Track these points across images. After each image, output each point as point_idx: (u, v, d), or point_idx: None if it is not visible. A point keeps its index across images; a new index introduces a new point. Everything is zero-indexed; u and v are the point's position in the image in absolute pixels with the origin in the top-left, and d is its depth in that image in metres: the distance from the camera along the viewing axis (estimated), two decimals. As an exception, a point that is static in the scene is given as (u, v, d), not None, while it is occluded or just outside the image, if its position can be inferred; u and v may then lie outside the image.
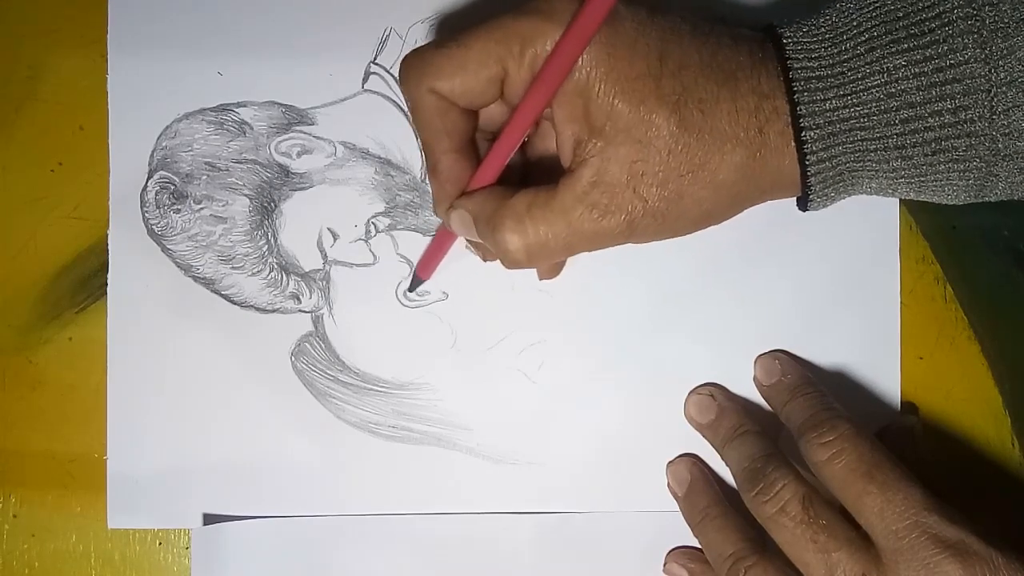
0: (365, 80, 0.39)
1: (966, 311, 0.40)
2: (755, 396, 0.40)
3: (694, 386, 0.40)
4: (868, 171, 0.32)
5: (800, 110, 0.31)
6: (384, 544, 0.39)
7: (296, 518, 0.39)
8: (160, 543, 0.40)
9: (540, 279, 0.38)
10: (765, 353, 0.39)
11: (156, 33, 0.39)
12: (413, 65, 0.32)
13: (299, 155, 0.40)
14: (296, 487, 0.39)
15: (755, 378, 0.39)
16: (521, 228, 0.31)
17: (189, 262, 0.39)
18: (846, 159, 0.31)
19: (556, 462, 0.40)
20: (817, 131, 0.31)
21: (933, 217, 0.40)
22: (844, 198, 0.33)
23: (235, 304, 0.39)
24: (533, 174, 0.36)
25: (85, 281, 0.40)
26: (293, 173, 0.40)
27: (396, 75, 0.39)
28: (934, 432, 0.40)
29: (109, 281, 0.39)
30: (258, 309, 0.39)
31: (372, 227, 0.40)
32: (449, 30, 0.39)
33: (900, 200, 0.39)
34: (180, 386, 0.39)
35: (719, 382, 0.40)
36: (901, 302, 0.40)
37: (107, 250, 0.39)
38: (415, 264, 0.39)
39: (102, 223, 0.39)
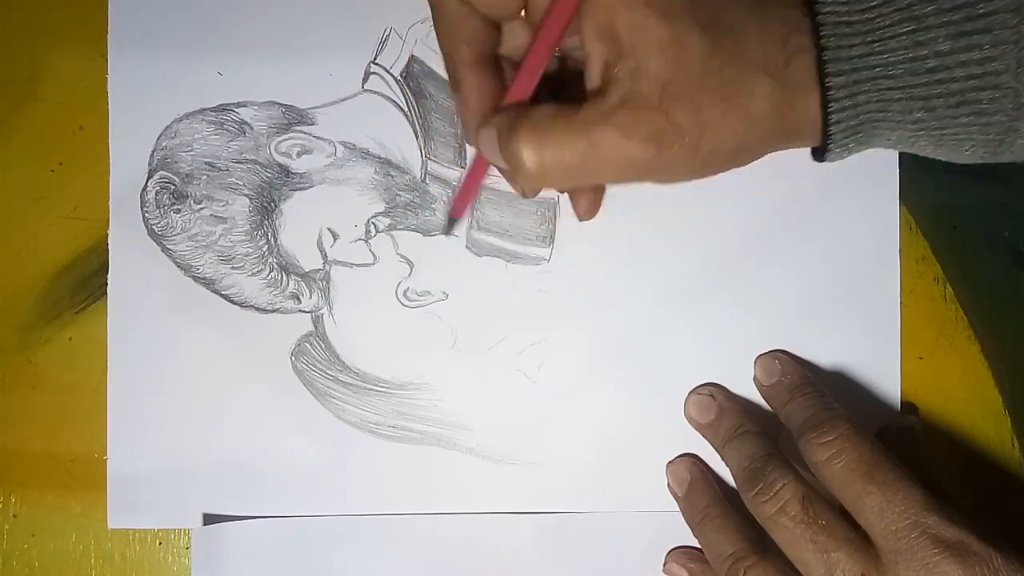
0: (365, 80, 0.39)
1: (966, 311, 0.40)
2: (755, 396, 0.40)
3: (694, 386, 0.40)
4: (890, 121, 0.31)
5: (826, 55, 0.30)
6: (384, 544, 0.39)
7: (296, 518, 0.39)
8: (160, 543, 0.40)
9: (579, 217, 0.36)
10: (765, 353, 0.39)
11: (156, 33, 0.39)
12: None
13: (299, 155, 0.40)
14: (296, 487, 0.39)
15: (755, 378, 0.39)
16: (538, 140, 0.29)
17: (189, 262, 0.39)
18: (869, 108, 0.30)
19: (556, 462, 0.40)
20: (842, 77, 0.30)
21: (933, 217, 0.40)
22: (862, 150, 0.32)
23: (235, 304, 0.39)
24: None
25: (85, 281, 0.40)
26: (293, 173, 0.40)
27: (396, 75, 0.39)
28: (934, 432, 0.40)
29: (109, 281, 0.39)
30: (258, 309, 0.39)
31: (372, 227, 0.40)
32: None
33: (900, 200, 0.39)
34: (180, 386, 0.39)
35: (719, 382, 0.40)
36: (901, 302, 0.39)
37: (107, 250, 0.39)
38: (449, 204, 0.38)
39: (102, 223, 0.39)
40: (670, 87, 0.29)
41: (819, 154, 0.33)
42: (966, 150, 0.32)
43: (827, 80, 0.30)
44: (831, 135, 0.31)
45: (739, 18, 0.30)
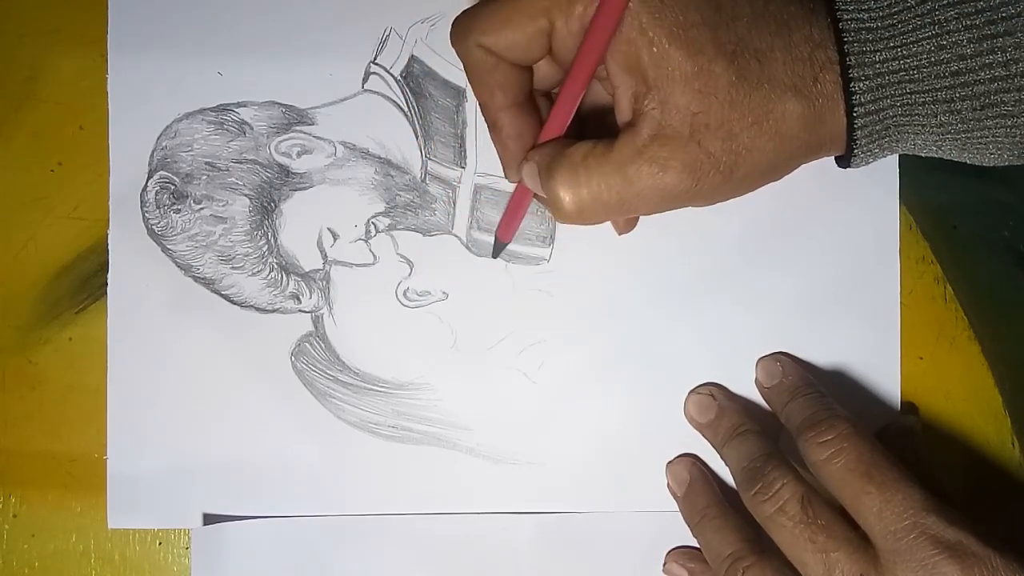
0: (365, 80, 0.39)
1: (966, 311, 0.40)
2: (755, 396, 0.40)
3: (694, 386, 0.40)
4: (915, 125, 0.31)
5: (850, 60, 0.30)
6: (384, 544, 0.39)
7: (296, 518, 0.39)
8: (160, 543, 0.40)
9: (619, 232, 0.37)
10: (767, 355, 0.39)
11: (156, 33, 0.39)
12: (460, 22, 0.32)
13: (299, 155, 0.40)
14: (296, 487, 0.39)
15: (756, 380, 0.39)
16: (574, 180, 0.30)
17: (189, 262, 0.39)
18: (894, 112, 0.31)
19: (556, 462, 0.40)
20: (866, 82, 0.30)
21: (933, 217, 0.40)
22: (886, 156, 0.33)
23: (235, 304, 0.39)
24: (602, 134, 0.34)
25: (85, 281, 0.40)
26: (293, 173, 0.40)
27: (396, 75, 0.39)
28: (934, 432, 0.40)
29: (109, 281, 0.39)
30: (258, 309, 0.40)
31: (372, 227, 0.40)
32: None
33: (900, 200, 0.39)
34: (180, 386, 0.39)
35: (719, 382, 0.40)
36: (901, 302, 0.39)
37: (107, 250, 0.39)
38: (495, 228, 0.39)
39: (102, 223, 0.39)
40: (700, 117, 0.30)
41: (844, 161, 0.33)
42: (992, 153, 0.32)
43: (851, 86, 0.30)
44: (856, 141, 0.31)
45: (764, 41, 0.30)
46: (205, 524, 0.39)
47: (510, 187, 0.39)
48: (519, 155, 0.33)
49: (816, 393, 0.37)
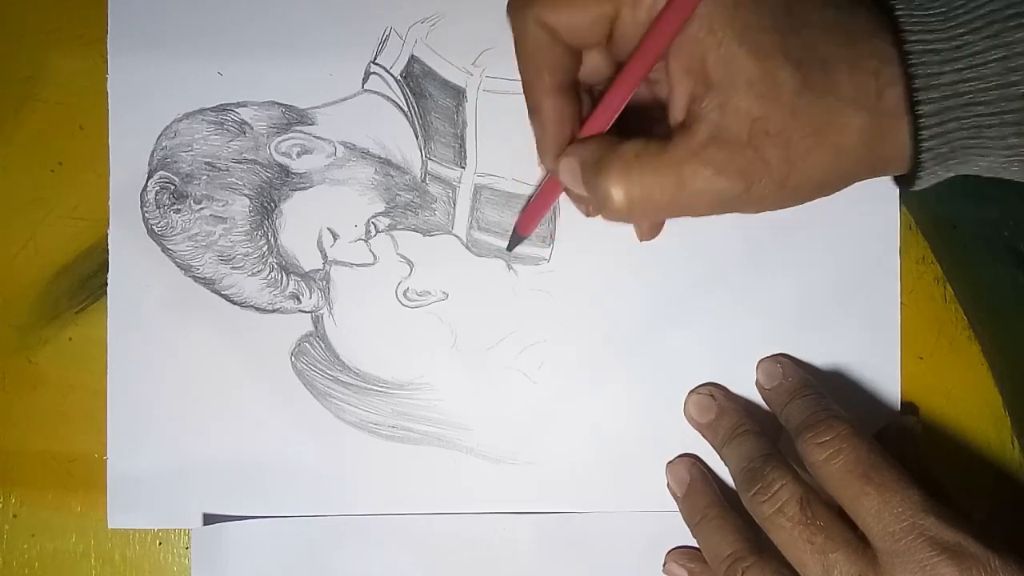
0: (365, 80, 0.39)
1: (966, 311, 0.40)
2: (755, 396, 0.40)
3: (694, 386, 0.40)
4: (982, 148, 0.31)
5: (916, 83, 0.29)
6: (384, 544, 0.39)
7: (296, 518, 0.39)
8: (160, 543, 0.40)
9: (640, 239, 0.37)
10: (768, 357, 0.39)
11: (156, 33, 0.39)
12: None
13: (299, 155, 0.40)
14: (296, 487, 0.39)
15: (757, 381, 0.39)
16: (627, 177, 0.30)
17: (189, 262, 0.39)
18: (960, 135, 0.30)
19: (556, 462, 0.40)
20: (933, 104, 0.30)
21: (933, 217, 0.40)
22: (950, 176, 0.32)
23: (235, 304, 0.39)
24: (635, 134, 0.34)
25: (85, 281, 0.40)
26: (293, 173, 0.40)
27: (396, 75, 0.39)
28: (934, 432, 0.40)
29: (109, 281, 0.39)
30: (258, 309, 0.40)
31: (372, 227, 0.40)
32: (453, 29, 0.39)
33: (900, 200, 0.39)
34: (180, 386, 0.39)
35: (719, 382, 0.40)
36: (901, 302, 0.39)
37: (107, 250, 0.39)
38: (515, 221, 0.39)
39: (102, 223, 0.39)
40: (759, 123, 0.29)
41: (906, 182, 0.32)
42: None
43: (917, 108, 0.30)
44: (921, 163, 0.31)
45: (831, 52, 0.30)
46: (205, 524, 0.39)
47: (510, 187, 0.39)
48: (557, 141, 0.33)
49: (815, 394, 0.37)
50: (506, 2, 0.32)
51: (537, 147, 0.33)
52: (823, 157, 0.30)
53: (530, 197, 0.39)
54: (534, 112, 0.33)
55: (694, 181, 0.30)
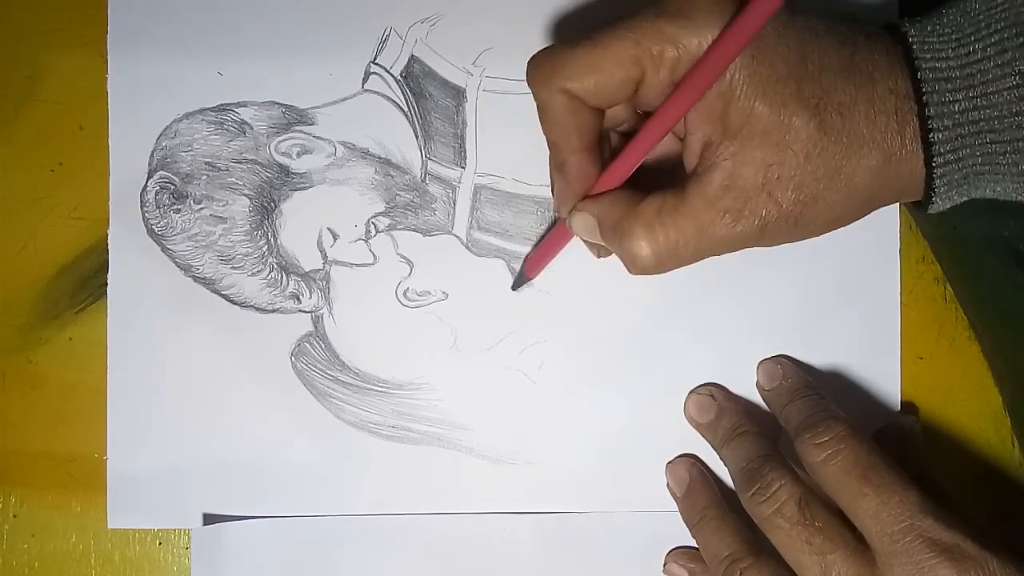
0: (365, 80, 0.39)
1: (966, 311, 0.40)
2: (755, 396, 0.40)
3: (694, 386, 0.40)
4: (995, 174, 0.31)
5: (929, 111, 0.30)
6: (384, 544, 0.39)
7: (296, 518, 0.39)
8: (160, 543, 0.40)
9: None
10: (768, 358, 0.39)
11: (156, 33, 0.39)
12: (543, 64, 0.31)
13: (299, 155, 0.40)
14: (296, 487, 0.39)
15: (757, 382, 0.39)
16: (651, 235, 0.31)
17: (189, 262, 0.39)
18: (973, 161, 0.30)
19: (556, 462, 0.40)
20: (946, 132, 0.30)
21: (933, 217, 0.40)
22: (963, 200, 0.32)
23: (235, 304, 0.39)
24: (644, 173, 0.34)
25: (85, 281, 0.40)
26: (293, 173, 0.40)
27: (396, 75, 0.39)
28: (934, 432, 0.40)
29: (109, 281, 0.39)
30: (258, 309, 0.40)
31: (372, 227, 0.40)
32: (453, 29, 0.39)
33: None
34: (180, 386, 0.39)
35: (719, 382, 0.40)
36: (901, 302, 0.39)
37: (107, 250, 0.39)
38: (522, 263, 0.39)
39: (102, 223, 0.39)
40: (774, 169, 0.30)
41: (920, 206, 0.32)
42: None
43: (931, 136, 0.30)
44: (935, 189, 0.31)
45: (849, 94, 0.30)
46: (205, 524, 0.39)
47: (510, 187, 0.40)
48: (581, 195, 0.33)
49: (815, 395, 0.37)
50: (526, 71, 0.32)
51: (557, 198, 0.34)
52: (835, 196, 0.31)
53: (539, 240, 0.39)
54: (560, 169, 0.33)
55: (714, 230, 0.31)
